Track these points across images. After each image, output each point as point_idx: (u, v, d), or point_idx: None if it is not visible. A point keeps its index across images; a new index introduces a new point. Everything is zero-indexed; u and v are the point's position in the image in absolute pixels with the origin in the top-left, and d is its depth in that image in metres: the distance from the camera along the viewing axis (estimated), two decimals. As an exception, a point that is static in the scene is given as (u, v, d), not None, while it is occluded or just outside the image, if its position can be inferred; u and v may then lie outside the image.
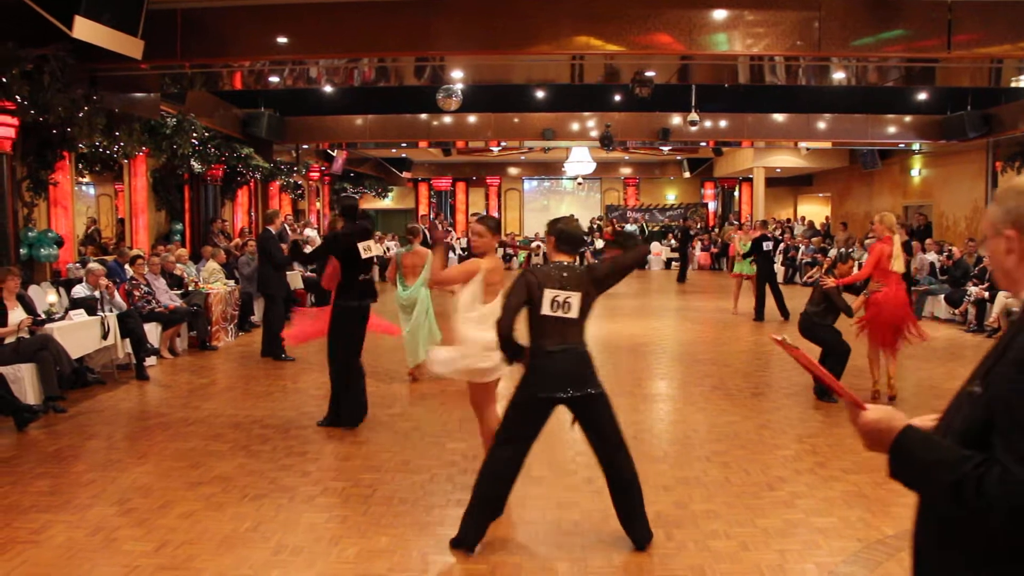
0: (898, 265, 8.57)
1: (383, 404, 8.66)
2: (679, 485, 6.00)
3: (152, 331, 10.81)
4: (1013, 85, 15.08)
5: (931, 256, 17.03)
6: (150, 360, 10.53)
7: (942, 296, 15.52)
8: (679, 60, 11.56)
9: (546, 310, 4.67)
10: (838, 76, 12.69)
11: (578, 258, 4.99)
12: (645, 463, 6.54)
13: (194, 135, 15.09)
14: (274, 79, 13.43)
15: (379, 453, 6.97)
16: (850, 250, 10.71)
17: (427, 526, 5.27)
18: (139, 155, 14.20)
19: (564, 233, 4.92)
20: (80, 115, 10.40)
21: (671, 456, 6.83)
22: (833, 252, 16.53)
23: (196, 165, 15.62)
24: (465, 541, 4.87)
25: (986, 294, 14.01)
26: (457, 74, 13.49)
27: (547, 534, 5.13)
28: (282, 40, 10.63)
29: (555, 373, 4.70)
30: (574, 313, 4.70)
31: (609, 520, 5.31)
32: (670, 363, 11.26)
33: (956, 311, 14.90)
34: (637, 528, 4.89)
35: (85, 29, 8.91)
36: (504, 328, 4.65)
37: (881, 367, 8.96)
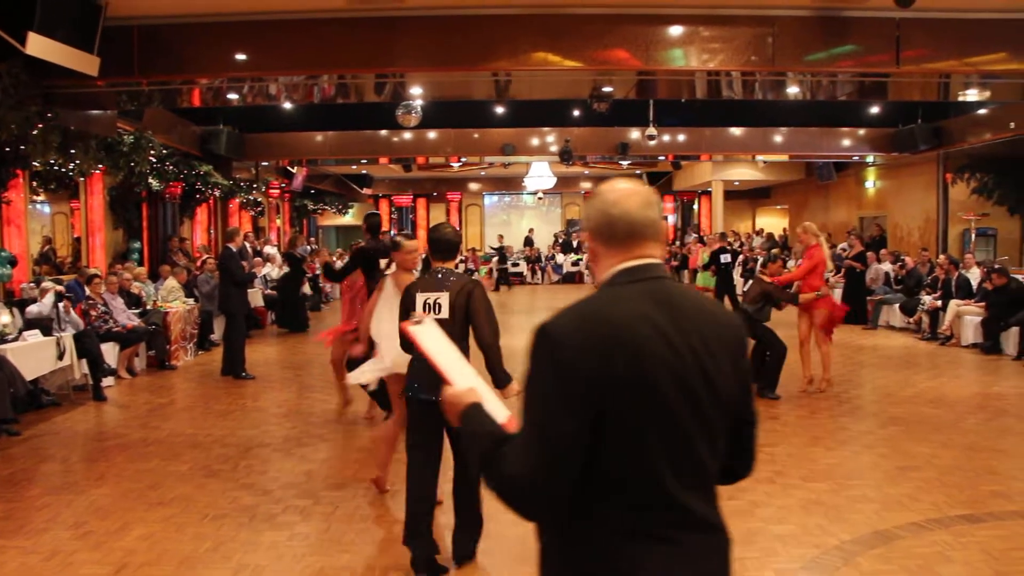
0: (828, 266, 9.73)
1: (345, 421, 8.63)
2: (640, 496, 6.03)
3: (109, 351, 10.68)
4: (961, 99, 15.42)
5: (886, 266, 17.31)
6: (107, 380, 10.39)
7: (897, 305, 15.78)
8: (636, 75, 11.68)
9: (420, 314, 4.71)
10: (792, 90, 12.88)
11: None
12: (607, 475, 6.58)
13: (152, 153, 14.96)
14: (233, 96, 13.34)
15: (341, 471, 6.95)
16: (778, 252, 11.58)
17: (389, 543, 5.26)
18: (95, 173, 14.04)
19: (435, 241, 4.99)
20: (34, 132, 10.27)
21: (632, 468, 6.86)
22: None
23: (154, 183, 15.49)
24: (415, 564, 4.79)
25: (939, 303, 14.27)
26: (417, 90, 13.51)
27: (509, 548, 5.13)
28: (241, 57, 10.58)
29: (430, 374, 4.58)
30: (445, 313, 4.74)
31: (571, 532, 5.34)
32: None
33: (911, 320, 15.15)
34: (457, 540, 4.93)
35: (38, 45, 8.79)
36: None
37: (814, 362, 9.86)
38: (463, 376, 2.20)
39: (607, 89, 12.11)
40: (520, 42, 10.05)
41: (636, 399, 1.82)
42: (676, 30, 10.16)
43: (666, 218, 33.80)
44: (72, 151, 11.96)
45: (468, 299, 4.79)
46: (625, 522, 1.86)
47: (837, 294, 18.00)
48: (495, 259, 29.33)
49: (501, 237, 30.00)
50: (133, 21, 10.05)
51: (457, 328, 4.69)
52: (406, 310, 4.86)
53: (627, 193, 2.03)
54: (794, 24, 10.08)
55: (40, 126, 10.35)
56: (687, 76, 11.60)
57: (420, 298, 4.80)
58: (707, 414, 1.90)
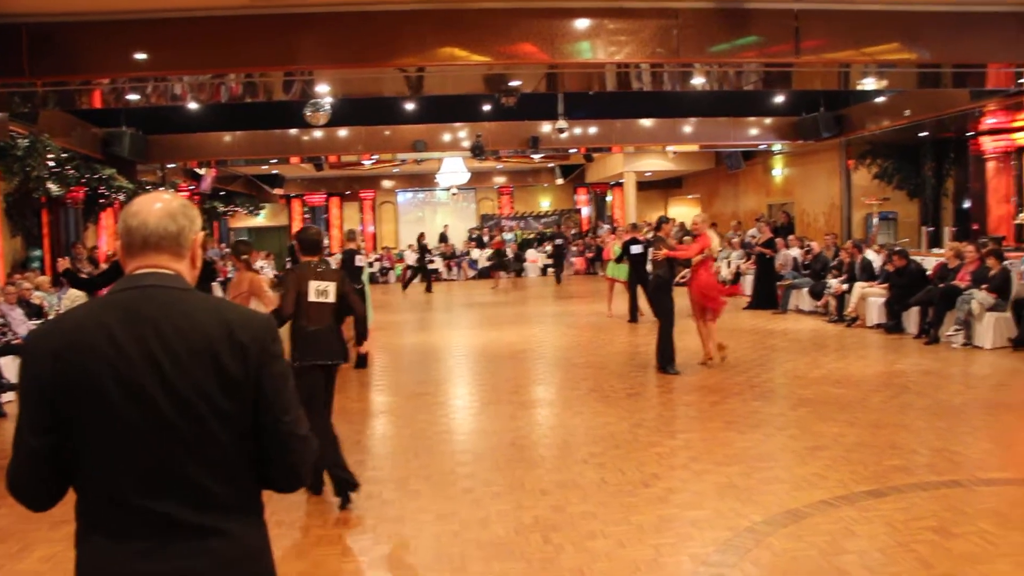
0: (710, 251, 10.55)
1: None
2: (557, 489, 6.07)
3: (9, 364, 10.28)
4: (860, 88, 15.89)
5: (794, 251, 17.71)
6: (8, 396, 10.00)
7: (805, 289, 16.18)
8: (546, 68, 11.73)
9: (312, 297, 5.88)
10: (698, 81, 13.10)
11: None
12: (522, 469, 6.61)
13: (50, 156, 14.44)
14: (133, 97, 12.96)
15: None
16: (668, 216, 12.33)
17: (305, 548, 5.18)
18: (-12, 179, 13.52)
19: (304, 240, 6.19)
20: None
21: (548, 460, 6.90)
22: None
23: (53, 188, 14.95)
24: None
25: (844, 287, 14.67)
26: (325, 88, 13.33)
27: (426, 547, 5.11)
28: (140, 56, 10.27)
29: (320, 346, 5.88)
30: (331, 299, 5.96)
31: (488, 527, 5.35)
32: (548, 368, 11.38)
33: (818, 303, 15.55)
34: (337, 474, 5.89)
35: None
36: (286, 312, 5.89)
37: (709, 339, 10.67)
38: None
39: (514, 83, 12.14)
40: (426, 37, 9.98)
41: (81, 402, 1.93)
42: (582, 23, 10.22)
43: (580, 210, 34.07)
44: (-39, 157, 11.49)
45: (346, 286, 6.11)
46: (86, 517, 1.99)
47: (748, 280, 18.45)
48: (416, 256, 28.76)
49: (423, 235, 28.90)
50: (21, 19, 9.65)
51: (337, 308, 6.01)
52: (296, 295, 5.86)
53: (149, 205, 2.12)
54: (697, 16, 10.23)
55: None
56: (595, 69, 11.69)
57: (312, 285, 5.90)
58: (172, 420, 1.94)
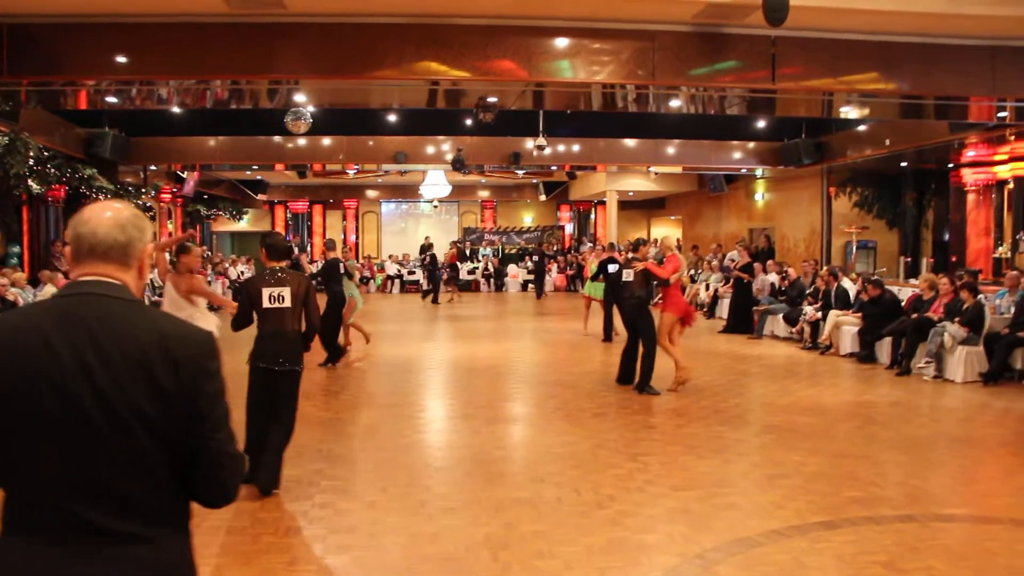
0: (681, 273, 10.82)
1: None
2: (512, 506, 6.05)
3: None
4: (842, 116, 16.03)
5: (772, 277, 17.77)
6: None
7: (781, 315, 16.22)
8: (525, 86, 11.75)
9: (266, 304, 6.10)
10: (676, 104, 13.18)
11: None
12: (480, 486, 6.60)
13: (31, 155, 14.38)
14: (112, 99, 12.93)
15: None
16: (644, 239, 12.35)
17: (253, 555, 5.15)
18: (-34, 176, 13.46)
19: (271, 246, 6.35)
20: None
21: (507, 477, 6.88)
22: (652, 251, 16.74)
23: (34, 186, 14.89)
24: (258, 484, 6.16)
25: (819, 315, 14.72)
26: (307, 96, 13.34)
27: (375, 559, 5.09)
28: (121, 59, 10.27)
29: (266, 350, 6.13)
30: (288, 303, 6.14)
31: (437, 542, 5.33)
32: (518, 385, 11.37)
33: (793, 330, 15.60)
34: (263, 475, 6.12)
35: None
36: (238, 324, 6.27)
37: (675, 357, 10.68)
38: None
39: (492, 99, 12.17)
40: (406, 51, 10.01)
41: (12, 403, 1.93)
42: (560, 42, 10.28)
43: (562, 227, 34.15)
44: (-61, 152, 11.44)
45: (307, 292, 6.27)
46: (10, 518, 1.99)
47: (725, 304, 18.51)
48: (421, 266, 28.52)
49: (428, 240, 29.06)
50: (3, 18, 9.66)
51: (296, 313, 6.21)
52: (250, 301, 6.16)
53: (99, 213, 2.12)
54: (675, 39, 10.30)
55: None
56: (575, 88, 11.73)
57: (265, 292, 6.10)
58: (100, 428, 1.95)
